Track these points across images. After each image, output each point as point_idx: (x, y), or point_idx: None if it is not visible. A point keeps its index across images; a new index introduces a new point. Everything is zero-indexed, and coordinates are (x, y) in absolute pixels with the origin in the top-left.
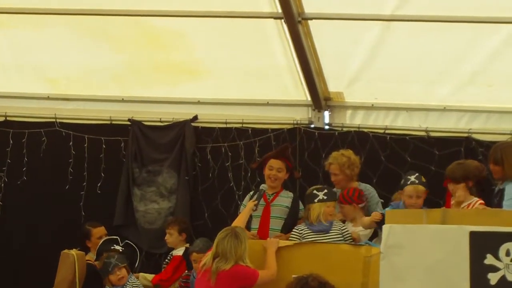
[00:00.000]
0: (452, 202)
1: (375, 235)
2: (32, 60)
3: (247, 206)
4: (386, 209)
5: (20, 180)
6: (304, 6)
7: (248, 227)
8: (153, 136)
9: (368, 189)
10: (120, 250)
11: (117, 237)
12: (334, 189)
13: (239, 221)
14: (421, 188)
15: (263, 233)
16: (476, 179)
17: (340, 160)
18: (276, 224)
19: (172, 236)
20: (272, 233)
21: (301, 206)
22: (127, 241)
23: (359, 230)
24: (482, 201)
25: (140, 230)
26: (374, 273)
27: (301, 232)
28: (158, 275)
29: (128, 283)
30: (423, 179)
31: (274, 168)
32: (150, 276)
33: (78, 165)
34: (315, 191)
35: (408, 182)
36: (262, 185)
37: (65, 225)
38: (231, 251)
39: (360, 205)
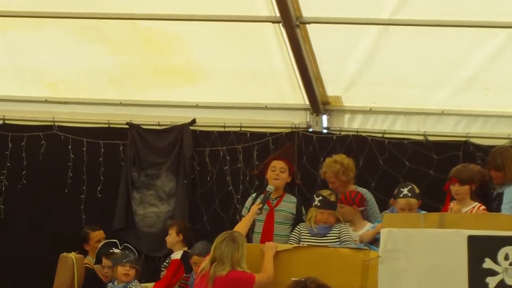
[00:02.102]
0: (452, 205)
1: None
2: (30, 63)
3: (251, 210)
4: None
5: (20, 183)
6: (302, 10)
7: (251, 231)
8: (151, 139)
9: (365, 194)
10: (118, 254)
11: (116, 240)
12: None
13: (242, 226)
14: (414, 201)
15: (266, 238)
16: (478, 183)
17: (334, 168)
18: (279, 229)
19: (170, 236)
20: (276, 238)
21: (302, 210)
22: (126, 244)
23: (359, 234)
24: (484, 207)
25: (139, 234)
26: (372, 277)
27: (300, 232)
28: (158, 282)
29: (131, 286)
30: (417, 190)
31: (277, 168)
32: (150, 285)
33: (77, 169)
34: (315, 195)
35: (401, 195)
36: (269, 186)
37: (65, 229)
38: (228, 256)
39: (360, 209)
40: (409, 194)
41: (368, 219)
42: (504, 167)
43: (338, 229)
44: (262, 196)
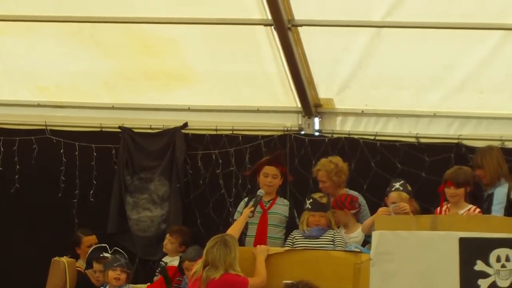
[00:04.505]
0: (446, 206)
1: (367, 241)
2: (23, 67)
3: (243, 213)
4: None
5: (13, 187)
6: (294, 13)
7: (244, 234)
8: (143, 143)
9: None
10: (109, 258)
11: (106, 244)
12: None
13: (235, 229)
14: (405, 195)
15: (260, 241)
16: (472, 186)
17: (328, 167)
18: (273, 232)
19: (172, 245)
20: (270, 241)
21: (295, 213)
22: (116, 248)
23: (352, 237)
24: (479, 209)
25: (134, 238)
26: (364, 280)
27: (293, 237)
28: (152, 285)
29: None
30: (409, 187)
31: (270, 174)
32: (143, 287)
33: (70, 173)
34: (306, 199)
35: (393, 189)
36: (260, 190)
37: (57, 233)
38: (220, 260)
39: (352, 211)
40: (401, 188)
41: (360, 222)
42: (483, 165)
43: (332, 234)
44: (254, 199)
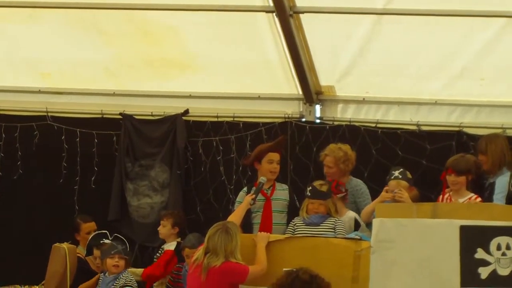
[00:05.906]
0: (447, 195)
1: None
2: (24, 53)
3: (244, 200)
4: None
5: (14, 174)
6: (295, 0)
7: (250, 222)
8: (144, 130)
9: (359, 185)
10: (106, 246)
11: (106, 231)
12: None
13: (236, 216)
14: (404, 183)
15: (266, 228)
16: (474, 174)
17: (337, 154)
18: (278, 218)
19: (165, 228)
20: (275, 227)
21: (294, 196)
22: (116, 234)
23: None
24: (480, 199)
25: (134, 224)
26: (364, 267)
27: (294, 224)
28: (148, 268)
29: (122, 276)
30: (409, 175)
31: (275, 161)
32: (139, 271)
33: (71, 159)
34: (307, 186)
35: (392, 177)
36: (262, 177)
37: (59, 220)
38: (221, 247)
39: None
40: (400, 176)
41: (359, 210)
42: (487, 150)
43: (333, 221)
44: (254, 188)
